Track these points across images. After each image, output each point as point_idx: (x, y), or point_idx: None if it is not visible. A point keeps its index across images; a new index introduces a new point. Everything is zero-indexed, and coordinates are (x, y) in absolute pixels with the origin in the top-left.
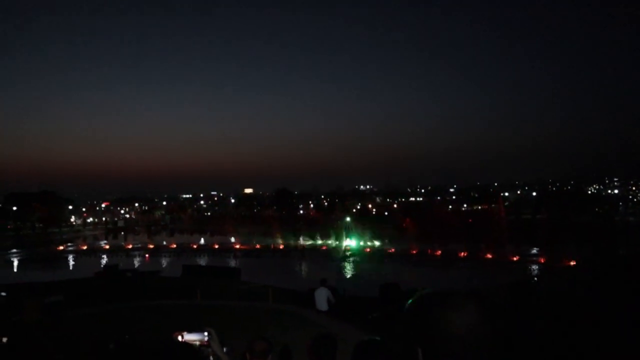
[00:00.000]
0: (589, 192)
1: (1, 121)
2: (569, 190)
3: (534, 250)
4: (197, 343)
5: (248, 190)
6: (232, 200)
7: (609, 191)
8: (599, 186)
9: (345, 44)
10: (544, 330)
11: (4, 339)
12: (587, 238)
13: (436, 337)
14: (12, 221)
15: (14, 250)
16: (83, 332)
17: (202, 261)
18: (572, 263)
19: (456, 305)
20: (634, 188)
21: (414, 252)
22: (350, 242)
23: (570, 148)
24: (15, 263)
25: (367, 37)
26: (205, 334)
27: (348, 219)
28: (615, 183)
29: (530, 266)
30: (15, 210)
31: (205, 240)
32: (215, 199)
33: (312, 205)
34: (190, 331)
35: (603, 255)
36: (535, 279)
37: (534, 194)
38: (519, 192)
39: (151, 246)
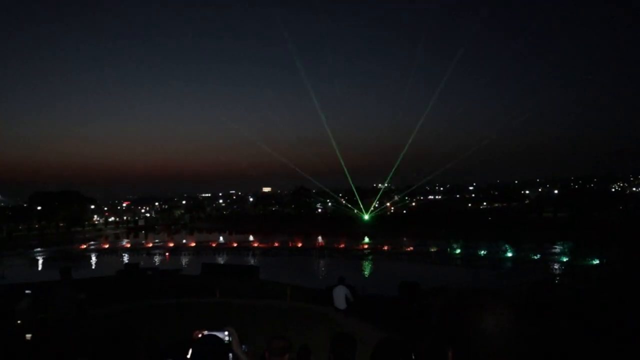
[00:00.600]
0: (613, 189)
1: (25, 123)
2: (592, 188)
3: (556, 249)
4: None
5: (266, 189)
6: (251, 199)
7: (634, 189)
8: (624, 184)
9: (361, 48)
10: (566, 331)
11: (28, 336)
12: (611, 237)
13: (468, 337)
14: (36, 220)
15: (39, 249)
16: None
17: (221, 259)
18: (596, 262)
19: (489, 304)
20: None
21: (433, 250)
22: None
23: (594, 145)
24: (40, 262)
25: (381, 40)
26: (226, 333)
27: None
28: None
29: (552, 265)
30: (40, 209)
31: (224, 238)
32: (234, 197)
33: (329, 204)
34: (211, 330)
35: (628, 254)
36: (557, 278)
37: (556, 191)
38: (540, 189)
39: (171, 245)
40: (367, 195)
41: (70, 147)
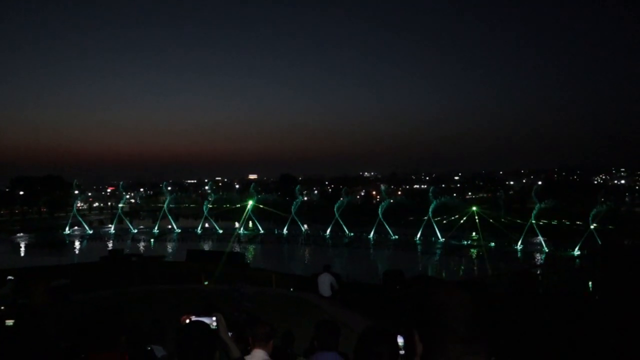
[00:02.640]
0: (595, 182)
1: (9, 107)
2: (575, 180)
3: (538, 239)
4: None
5: (252, 176)
6: (237, 186)
7: (615, 181)
8: (606, 176)
9: (348, 35)
10: (545, 319)
11: (10, 322)
12: (593, 228)
13: (432, 323)
14: (19, 205)
15: (21, 234)
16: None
17: (207, 246)
18: (577, 253)
19: (451, 292)
20: None
21: (417, 239)
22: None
23: (577, 138)
24: (22, 247)
25: (369, 27)
26: (214, 319)
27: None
28: (622, 173)
29: (534, 255)
30: (22, 194)
31: (209, 225)
32: (220, 184)
33: (316, 192)
34: (198, 315)
35: (607, 246)
36: (539, 268)
37: (540, 182)
38: (524, 180)
39: (156, 231)
40: (353, 183)
41: (54, 132)
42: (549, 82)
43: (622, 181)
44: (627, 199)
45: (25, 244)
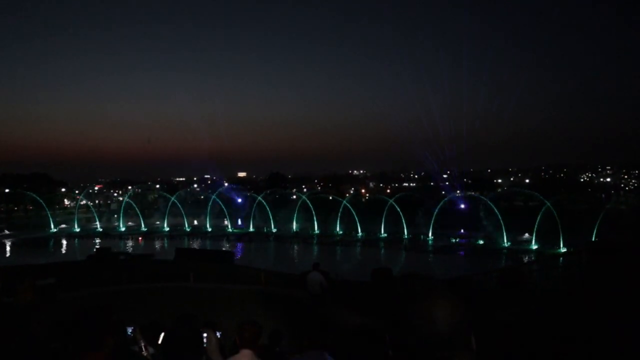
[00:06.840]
0: (582, 180)
1: None
2: (562, 178)
3: (526, 237)
4: None
5: (241, 174)
6: (226, 184)
7: (602, 179)
8: (592, 174)
9: (337, 33)
10: (535, 318)
11: None
12: (580, 226)
13: (411, 322)
14: (4, 204)
15: (7, 232)
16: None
17: (196, 244)
18: (564, 250)
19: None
20: (626, 176)
21: (406, 237)
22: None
23: (564, 136)
24: (8, 246)
25: (357, 24)
26: (205, 335)
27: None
28: (608, 171)
29: (522, 253)
30: (7, 192)
31: (198, 223)
32: (209, 182)
33: (305, 190)
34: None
35: (594, 243)
36: (527, 266)
37: (527, 180)
38: (512, 179)
39: (144, 229)
40: (342, 181)
41: (40, 129)
42: (536, 81)
43: (608, 179)
44: (612, 196)
45: (11, 242)
